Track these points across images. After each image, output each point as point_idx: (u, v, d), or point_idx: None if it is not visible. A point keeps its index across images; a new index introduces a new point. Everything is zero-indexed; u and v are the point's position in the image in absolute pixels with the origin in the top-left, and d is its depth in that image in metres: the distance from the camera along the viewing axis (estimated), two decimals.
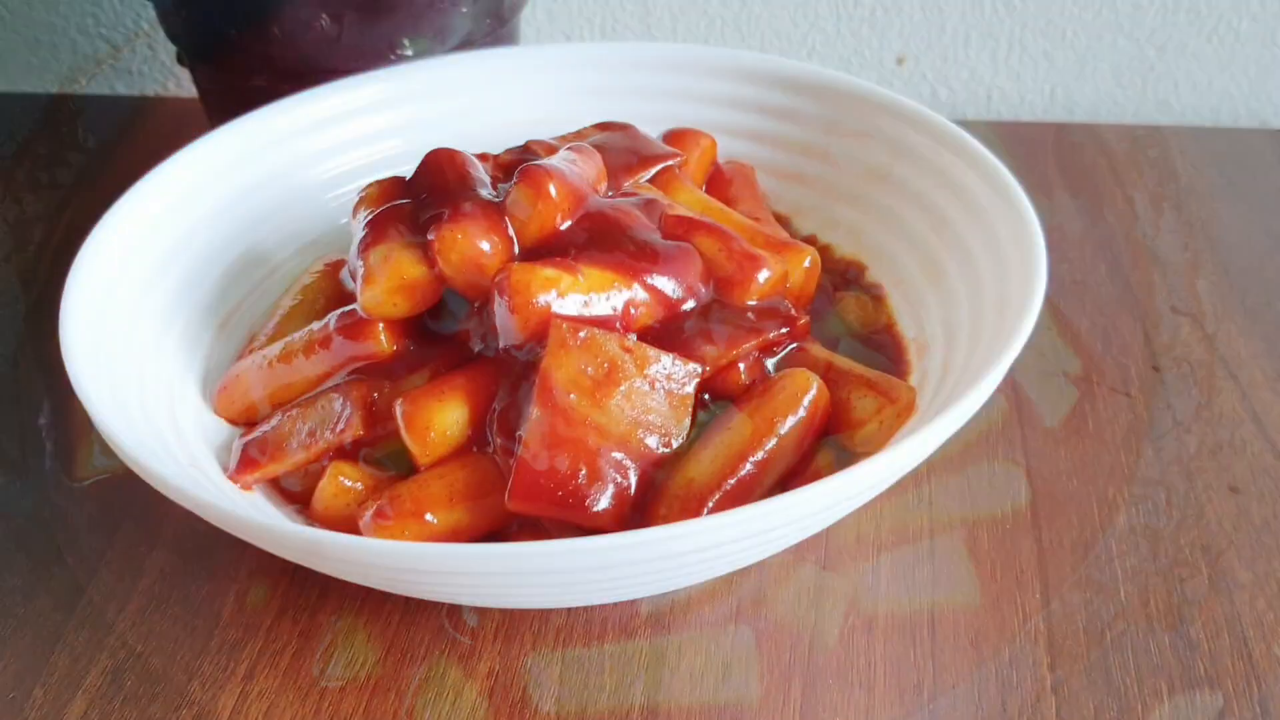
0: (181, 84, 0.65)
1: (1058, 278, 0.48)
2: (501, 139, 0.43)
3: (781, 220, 0.44)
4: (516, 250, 0.34)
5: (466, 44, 0.47)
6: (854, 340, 0.39)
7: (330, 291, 0.39)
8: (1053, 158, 0.56)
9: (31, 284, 0.50)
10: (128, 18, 0.64)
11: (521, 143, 0.41)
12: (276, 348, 0.36)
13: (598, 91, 0.46)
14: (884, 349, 0.38)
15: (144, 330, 0.37)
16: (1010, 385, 0.42)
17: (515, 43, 0.51)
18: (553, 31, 0.61)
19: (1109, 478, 0.38)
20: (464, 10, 0.46)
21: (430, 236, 0.34)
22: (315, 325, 0.36)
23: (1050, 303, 0.46)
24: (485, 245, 0.34)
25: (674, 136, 0.43)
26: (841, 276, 0.41)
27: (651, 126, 0.44)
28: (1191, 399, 0.41)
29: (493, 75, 0.46)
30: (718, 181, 0.43)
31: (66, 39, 0.66)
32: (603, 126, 0.42)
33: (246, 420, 0.36)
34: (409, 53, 0.45)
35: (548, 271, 0.33)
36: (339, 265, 0.40)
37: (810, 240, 0.43)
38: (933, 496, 0.38)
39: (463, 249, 0.33)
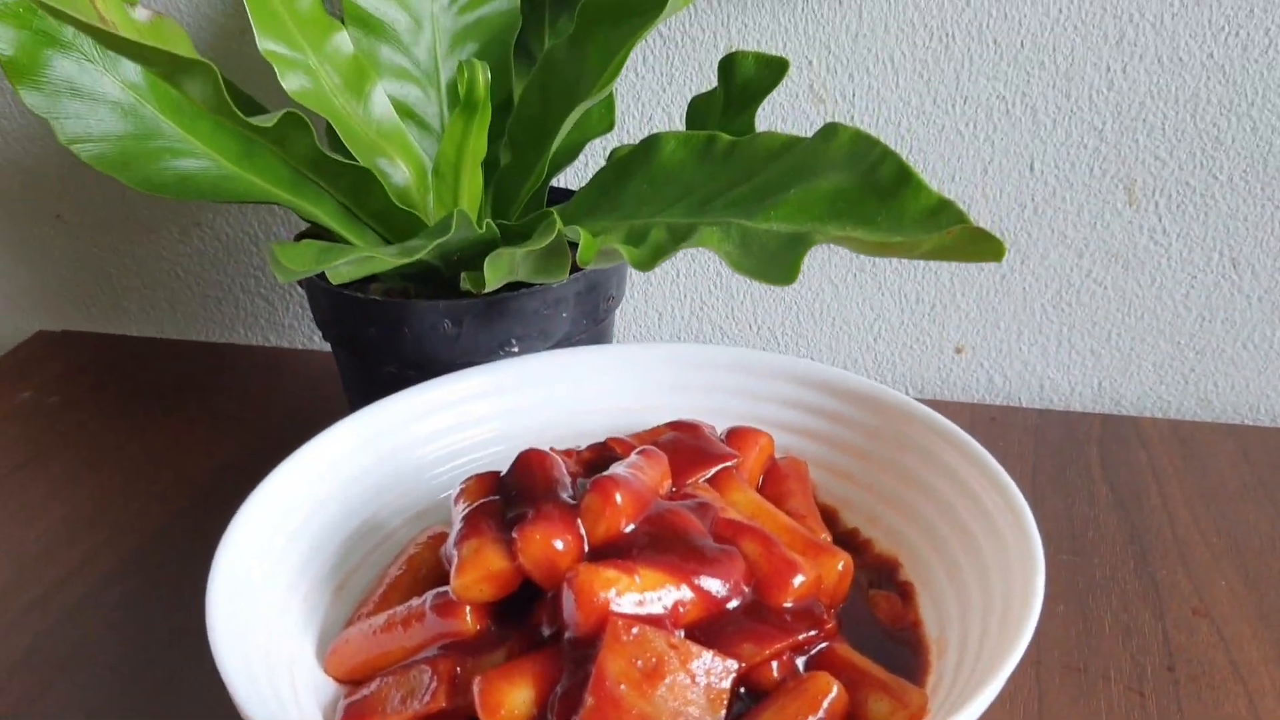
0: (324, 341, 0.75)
1: (1088, 573, 0.52)
2: (586, 425, 0.50)
3: (829, 512, 0.49)
4: (586, 548, 0.41)
5: (565, 340, 0.54)
6: (883, 637, 0.43)
7: (432, 563, 0.46)
8: (1096, 449, 0.61)
9: (185, 516, 0.58)
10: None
11: (603, 431, 0.48)
12: (381, 618, 0.42)
13: (673, 386, 0.53)
14: (909, 646, 0.43)
15: (274, 595, 0.43)
16: (1035, 676, 0.47)
17: (608, 338, 0.58)
18: (646, 325, 0.69)
19: None
20: (564, 315, 0.54)
21: (514, 534, 0.40)
22: (415, 601, 0.42)
23: (1080, 597, 0.51)
24: (559, 544, 0.40)
25: (735, 435, 0.49)
26: (877, 573, 0.47)
27: (718, 419, 0.51)
28: (1200, 702, 0.45)
29: (582, 370, 0.53)
30: (773, 475, 0.49)
31: (231, 295, 0.76)
32: (674, 426, 0.49)
33: (351, 680, 0.42)
34: (515, 349, 0.53)
35: (609, 573, 0.39)
36: (440, 538, 0.47)
37: (853, 534, 0.49)
38: None
39: (540, 547, 0.40)
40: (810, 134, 0.47)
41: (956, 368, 0.66)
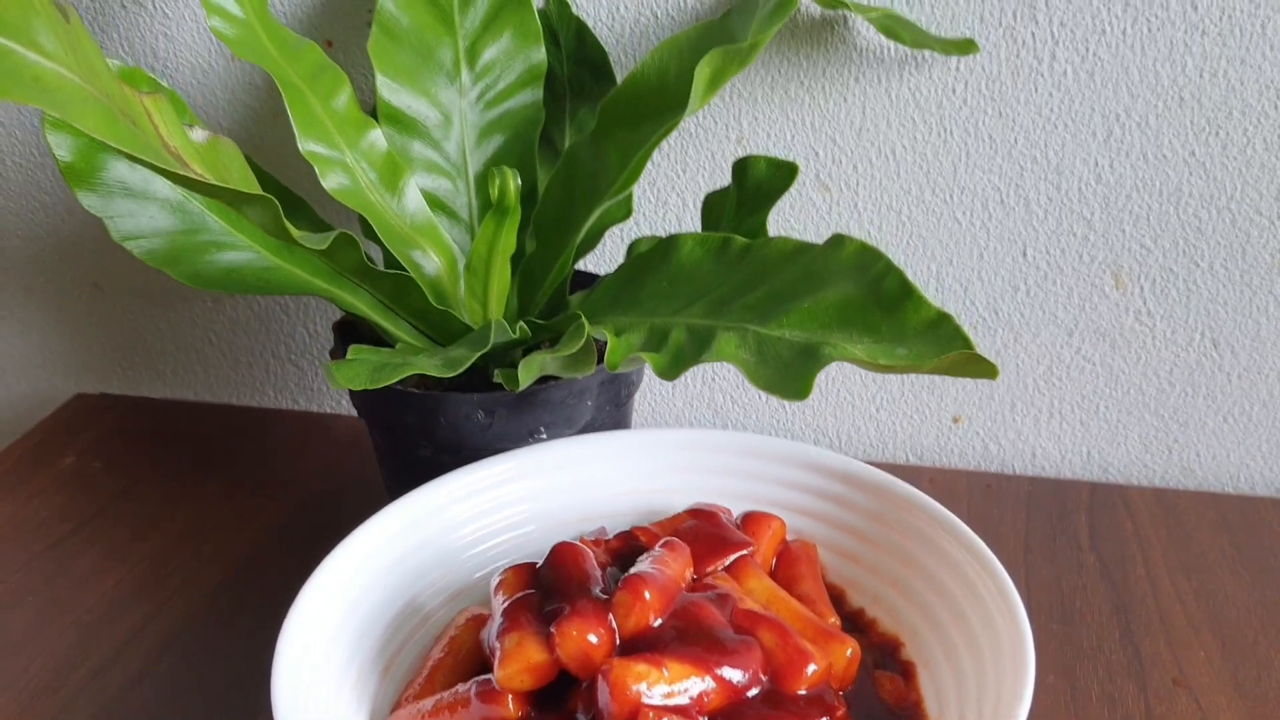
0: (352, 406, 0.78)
1: (1076, 643, 0.56)
2: (611, 506, 0.54)
3: (836, 592, 0.53)
4: (618, 640, 0.44)
5: (590, 425, 0.58)
6: (888, 716, 0.47)
7: (471, 645, 0.50)
8: (1085, 517, 0.65)
9: (229, 585, 0.62)
10: (314, 347, 0.78)
11: (626, 510, 0.53)
12: (429, 702, 0.46)
13: (690, 469, 0.57)
14: None
15: (329, 678, 0.47)
16: None
17: (629, 421, 0.62)
18: (661, 399, 0.73)
19: None
20: (589, 403, 0.57)
21: (552, 629, 0.44)
22: (460, 687, 0.46)
23: (1068, 667, 0.54)
24: (594, 638, 0.44)
25: (750, 520, 0.53)
26: (881, 651, 0.50)
27: (733, 501, 0.54)
28: None
29: (606, 454, 0.57)
30: (786, 558, 0.53)
31: (261, 360, 0.80)
32: (693, 514, 0.53)
33: None
34: (544, 435, 0.57)
35: (640, 667, 0.42)
36: (477, 619, 0.51)
37: (859, 613, 0.52)
38: None
39: (577, 642, 0.43)
40: (817, 221, 0.50)
41: (954, 437, 0.70)
